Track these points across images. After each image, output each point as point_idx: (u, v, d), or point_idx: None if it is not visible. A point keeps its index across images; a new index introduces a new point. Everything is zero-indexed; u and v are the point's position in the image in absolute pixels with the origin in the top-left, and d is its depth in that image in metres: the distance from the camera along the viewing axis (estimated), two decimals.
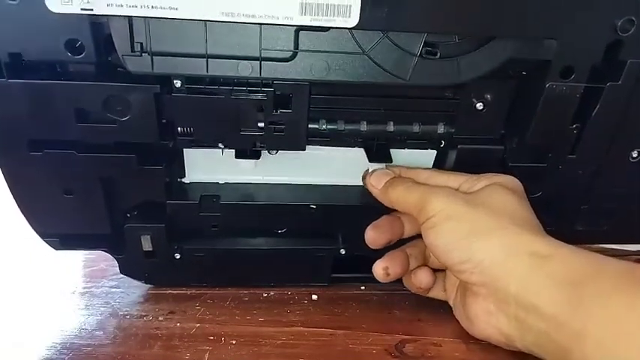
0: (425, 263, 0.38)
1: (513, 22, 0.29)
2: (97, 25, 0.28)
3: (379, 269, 0.36)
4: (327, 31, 0.29)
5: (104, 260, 0.44)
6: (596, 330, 0.24)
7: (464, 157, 0.36)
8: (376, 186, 0.35)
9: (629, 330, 0.23)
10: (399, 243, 0.37)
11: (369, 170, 0.37)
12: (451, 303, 0.37)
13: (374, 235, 0.36)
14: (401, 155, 0.38)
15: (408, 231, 0.37)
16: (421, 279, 0.36)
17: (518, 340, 0.30)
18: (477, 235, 0.30)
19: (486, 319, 0.31)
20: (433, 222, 0.31)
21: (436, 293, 0.38)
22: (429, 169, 0.37)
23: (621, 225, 0.39)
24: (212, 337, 0.37)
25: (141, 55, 0.29)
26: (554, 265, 0.28)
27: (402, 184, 0.34)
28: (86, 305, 0.39)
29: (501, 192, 0.32)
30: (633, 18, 0.29)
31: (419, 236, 0.35)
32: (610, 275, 0.26)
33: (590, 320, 0.25)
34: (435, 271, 0.38)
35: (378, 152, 0.37)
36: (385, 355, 0.36)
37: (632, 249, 0.45)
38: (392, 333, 0.38)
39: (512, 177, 0.34)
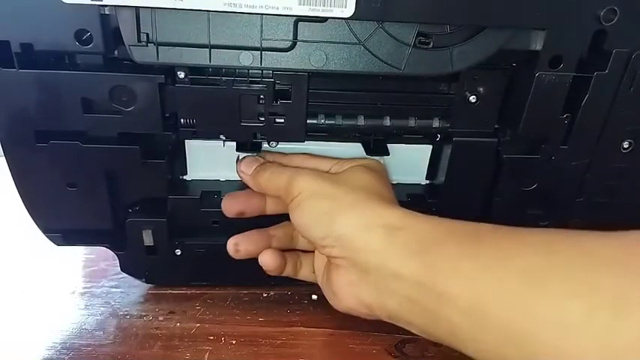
0: (291, 246, 0.39)
1: (503, 13, 0.30)
2: (105, 16, 0.30)
3: (230, 244, 0.37)
4: (324, 21, 0.31)
5: (104, 260, 0.44)
6: (453, 290, 0.26)
7: (459, 150, 0.37)
8: (246, 172, 0.36)
9: (477, 285, 0.25)
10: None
11: (240, 157, 0.38)
12: (320, 283, 0.37)
13: (227, 203, 0.37)
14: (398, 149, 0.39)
15: (271, 208, 0.37)
16: (264, 259, 0.36)
17: (379, 308, 0.31)
18: (337, 211, 0.31)
19: (349, 291, 0.32)
20: (298, 201, 0.33)
21: (306, 275, 0.39)
22: (302, 154, 0.38)
23: (617, 218, 0.39)
24: (212, 337, 0.37)
25: (147, 46, 0.30)
26: (407, 235, 0.29)
27: (269, 169, 0.35)
28: (86, 305, 0.40)
29: (362, 171, 0.34)
30: (615, 7, 0.30)
31: (287, 219, 0.36)
32: (457, 237, 0.28)
33: (447, 282, 0.26)
34: (304, 252, 0.39)
35: (375, 147, 0.38)
36: (385, 355, 0.36)
37: None
38: (392, 333, 0.38)
39: (376, 160, 0.37)
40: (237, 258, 0.37)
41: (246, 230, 0.38)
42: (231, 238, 0.37)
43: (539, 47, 0.32)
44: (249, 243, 0.37)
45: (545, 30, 0.31)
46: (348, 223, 0.31)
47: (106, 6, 0.29)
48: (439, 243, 0.28)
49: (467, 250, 0.27)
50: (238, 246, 0.36)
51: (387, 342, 0.37)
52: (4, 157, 0.34)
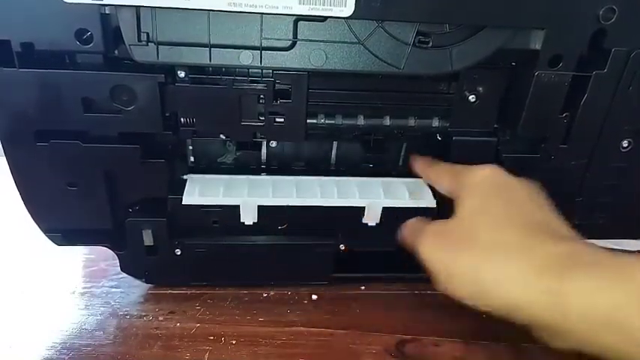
0: None
1: (502, 12, 0.31)
2: (106, 16, 0.30)
3: None
4: (324, 21, 0.31)
5: (104, 260, 0.44)
6: None
7: (459, 149, 0.37)
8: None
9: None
10: None
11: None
12: None
13: None
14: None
15: None
16: None
17: None
18: None
19: None
20: None
21: None
22: None
23: (618, 218, 0.39)
24: (212, 337, 0.37)
25: (147, 45, 0.30)
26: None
27: None
28: (86, 305, 0.39)
29: None
30: (614, 7, 0.30)
31: None
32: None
33: None
34: None
35: (375, 147, 0.38)
36: (385, 355, 0.36)
37: (632, 248, 0.45)
38: (392, 333, 0.38)
39: None
40: None
41: (247, 230, 0.38)
42: None
43: (538, 46, 0.32)
44: None
45: (545, 29, 0.31)
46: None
47: (107, 5, 0.29)
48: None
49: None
50: None
51: (387, 342, 0.37)
52: (4, 157, 0.34)
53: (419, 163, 0.38)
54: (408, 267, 0.43)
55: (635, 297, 0.24)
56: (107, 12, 0.30)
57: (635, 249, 0.46)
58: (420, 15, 0.30)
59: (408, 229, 0.35)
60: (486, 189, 0.32)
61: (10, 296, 0.40)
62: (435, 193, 0.38)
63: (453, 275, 0.30)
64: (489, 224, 0.30)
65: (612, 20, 0.31)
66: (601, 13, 0.31)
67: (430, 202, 0.38)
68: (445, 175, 0.36)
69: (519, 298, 0.27)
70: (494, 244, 0.29)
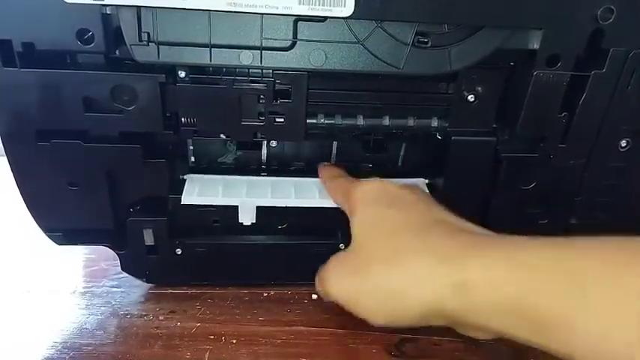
0: None
1: (500, 12, 0.31)
2: (107, 16, 0.30)
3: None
4: (324, 21, 0.31)
5: (105, 260, 0.44)
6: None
7: (458, 149, 0.37)
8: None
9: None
10: None
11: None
12: None
13: None
14: None
15: None
16: None
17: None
18: None
19: None
20: None
21: None
22: None
23: (617, 218, 0.39)
24: (212, 337, 0.37)
25: (148, 45, 0.30)
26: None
27: None
28: (87, 305, 0.40)
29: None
30: (612, 7, 0.31)
31: None
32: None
33: None
34: None
35: (374, 147, 0.38)
36: (385, 354, 0.36)
37: None
38: (392, 332, 0.38)
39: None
40: None
41: (247, 230, 0.38)
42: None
43: (536, 46, 0.32)
44: None
45: (543, 29, 0.32)
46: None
47: (108, 5, 0.29)
48: None
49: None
50: None
51: (387, 341, 0.37)
52: (4, 157, 0.34)
53: (322, 174, 0.38)
54: None
55: (529, 282, 0.24)
56: (108, 12, 0.30)
57: None
58: (419, 15, 0.31)
59: (317, 279, 0.34)
60: (373, 201, 0.32)
61: (10, 296, 0.41)
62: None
63: (363, 299, 0.29)
64: (384, 234, 0.30)
65: (610, 20, 0.31)
66: (599, 13, 0.31)
67: None
68: (338, 191, 0.36)
69: (430, 297, 0.27)
70: (393, 251, 0.29)
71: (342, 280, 0.31)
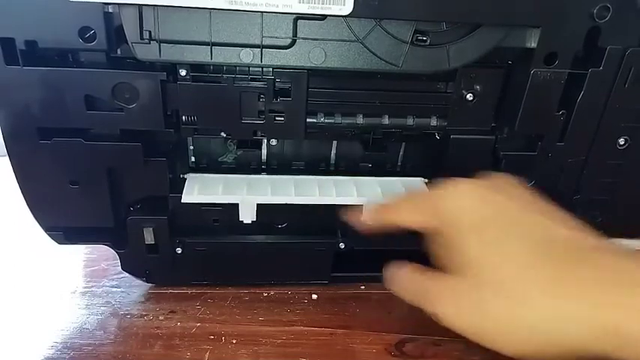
0: None
1: (498, 11, 0.31)
2: (109, 14, 0.30)
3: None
4: (323, 19, 0.31)
5: (105, 260, 0.44)
6: None
7: (457, 147, 0.37)
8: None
9: None
10: None
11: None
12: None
13: None
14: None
15: None
16: None
17: None
18: None
19: None
20: None
21: None
22: None
23: (616, 216, 0.39)
24: (212, 337, 0.37)
25: (149, 43, 0.31)
26: None
27: None
28: (87, 305, 0.40)
29: None
30: (608, 5, 0.31)
31: None
32: None
33: None
34: None
35: (374, 146, 0.38)
36: (385, 354, 0.36)
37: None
38: (392, 332, 0.38)
39: None
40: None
41: (247, 229, 0.38)
42: None
43: (534, 44, 0.33)
44: None
45: (540, 27, 0.32)
46: None
47: (110, 3, 0.30)
48: None
49: None
50: None
51: (387, 341, 0.37)
52: (4, 157, 0.34)
53: (372, 213, 0.34)
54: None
55: None
56: (110, 10, 0.30)
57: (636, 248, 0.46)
58: (418, 13, 0.31)
59: (406, 287, 0.32)
60: (479, 216, 0.29)
61: (11, 296, 0.41)
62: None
63: (499, 335, 0.27)
64: (513, 263, 0.27)
65: (606, 18, 0.31)
66: (595, 11, 0.31)
67: None
68: (413, 212, 0.31)
69: (581, 340, 0.25)
70: (530, 283, 0.26)
71: (472, 316, 0.28)
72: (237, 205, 0.37)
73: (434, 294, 0.29)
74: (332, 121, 0.36)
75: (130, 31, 0.30)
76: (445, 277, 0.29)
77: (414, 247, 0.41)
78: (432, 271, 0.31)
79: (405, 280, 0.32)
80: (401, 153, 0.41)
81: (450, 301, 0.29)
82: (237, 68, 0.33)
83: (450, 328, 0.29)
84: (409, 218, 0.32)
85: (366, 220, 0.35)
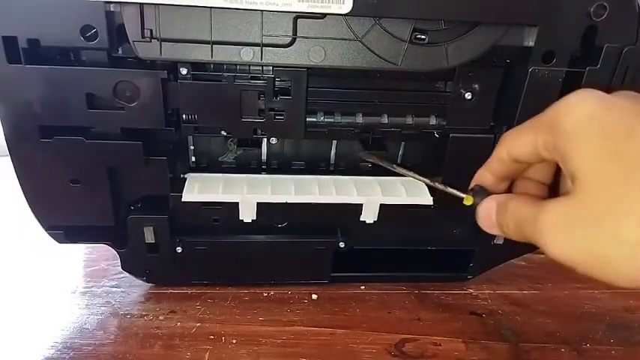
0: None
1: (496, 9, 0.31)
2: (111, 13, 0.31)
3: None
4: (323, 18, 0.31)
5: (105, 260, 0.45)
6: None
7: (456, 146, 0.37)
8: None
9: None
10: None
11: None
12: None
13: None
14: None
15: None
16: None
17: None
18: None
19: None
20: None
21: None
22: None
23: None
24: (212, 337, 0.37)
25: (150, 42, 0.31)
26: None
27: None
28: (87, 305, 0.40)
29: None
30: (605, 3, 0.31)
31: None
32: None
33: None
34: None
35: (373, 145, 0.39)
36: (385, 354, 0.36)
37: None
38: (392, 332, 0.38)
39: None
40: None
41: (247, 228, 0.38)
42: None
43: (532, 43, 0.33)
44: None
45: (538, 26, 0.32)
46: None
47: (112, 2, 0.30)
48: None
49: None
50: None
51: (387, 341, 0.38)
52: (4, 158, 0.34)
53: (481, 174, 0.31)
54: (408, 266, 0.44)
55: None
56: (112, 9, 0.30)
57: None
58: (416, 12, 0.31)
59: (507, 217, 0.28)
60: (601, 123, 0.24)
61: (11, 295, 0.41)
62: (432, 191, 0.39)
63: (621, 262, 0.22)
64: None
65: (603, 17, 0.32)
66: (592, 10, 0.32)
67: (427, 199, 0.39)
68: (527, 132, 0.28)
69: None
70: None
71: (580, 241, 0.24)
72: (237, 204, 0.37)
73: (541, 221, 0.25)
74: (332, 120, 0.37)
75: (132, 30, 0.31)
76: (553, 202, 0.25)
77: (414, 247, 0.42)
78: (537, 199, 0.27)
79: (507, 210, 0.28)
80: (400, 152, 0.42)
81: (559, 228, 0.25)
82: (238, 67, 0.34)
83: (557, 259, 0.25)
84: (524, 140, 0.28)
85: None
